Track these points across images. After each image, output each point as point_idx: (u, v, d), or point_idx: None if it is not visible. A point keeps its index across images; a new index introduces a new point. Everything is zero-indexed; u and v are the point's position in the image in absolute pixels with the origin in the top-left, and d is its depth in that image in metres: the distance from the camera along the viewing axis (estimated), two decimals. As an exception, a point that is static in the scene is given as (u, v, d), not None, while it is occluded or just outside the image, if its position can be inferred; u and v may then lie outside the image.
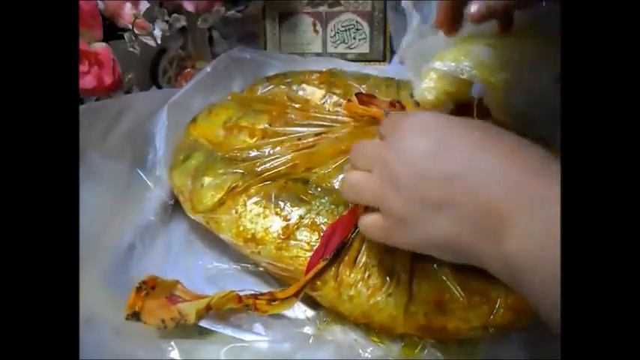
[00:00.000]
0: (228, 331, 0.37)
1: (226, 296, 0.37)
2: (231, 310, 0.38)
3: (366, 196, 0.31)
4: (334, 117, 0.46)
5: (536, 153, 0.26)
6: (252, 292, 0.38)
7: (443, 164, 0.27)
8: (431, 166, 0.27)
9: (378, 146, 0.31)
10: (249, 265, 0.43)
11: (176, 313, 0.36)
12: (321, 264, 0.37)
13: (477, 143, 0.27)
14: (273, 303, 0.37)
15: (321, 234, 0.38)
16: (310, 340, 0.36)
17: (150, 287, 0.37)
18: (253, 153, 0.45)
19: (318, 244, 0.38)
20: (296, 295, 0.37)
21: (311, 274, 0.37)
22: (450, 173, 0.27)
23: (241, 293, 0.37)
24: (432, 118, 0.30)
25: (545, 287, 0.23)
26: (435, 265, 0.36)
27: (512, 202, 0.25)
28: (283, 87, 0.52)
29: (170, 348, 0.36)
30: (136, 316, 0.36)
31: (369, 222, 0.32)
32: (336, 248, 0.37)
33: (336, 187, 0.42)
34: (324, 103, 0.50)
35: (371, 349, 0.37)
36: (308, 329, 0.38)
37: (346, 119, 0.45)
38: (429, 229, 0.28)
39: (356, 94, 0.45)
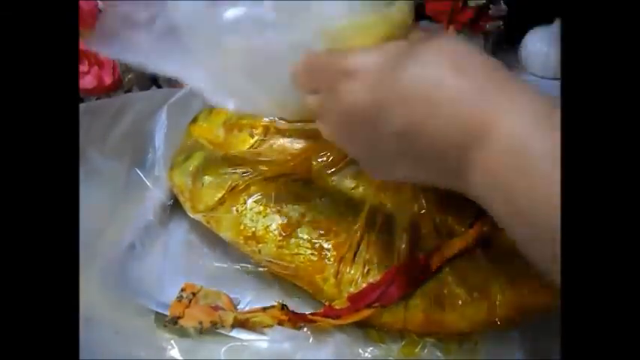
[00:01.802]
0: (220, 329, 0.37)
1: (273, 315, 0.37)
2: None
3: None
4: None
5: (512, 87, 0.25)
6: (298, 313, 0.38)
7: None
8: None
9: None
10: (249, 265, 0.43)
11: (216, 317, 0.37)
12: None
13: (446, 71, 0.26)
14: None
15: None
16: (310, 340, 0.36)
17: (190, 293, 0.38)
18: (253, 152, 0.45)
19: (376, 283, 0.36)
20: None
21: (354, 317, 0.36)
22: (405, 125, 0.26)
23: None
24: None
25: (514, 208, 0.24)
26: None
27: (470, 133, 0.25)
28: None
29: (170, 347, 0.36)
30: (174, 320, 0.37)
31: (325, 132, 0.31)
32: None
33: (337, 185, 0.42)
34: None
35: (371, 348, 0.37)
36: (308, 329, 0.38)
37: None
38: (393, 172, 0.29)
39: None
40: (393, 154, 0.28)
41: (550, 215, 0.22)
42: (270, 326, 0.37)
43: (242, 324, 0.37)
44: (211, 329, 0.37)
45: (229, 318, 0.37)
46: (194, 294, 0.39)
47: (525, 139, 0.23)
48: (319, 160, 0.43)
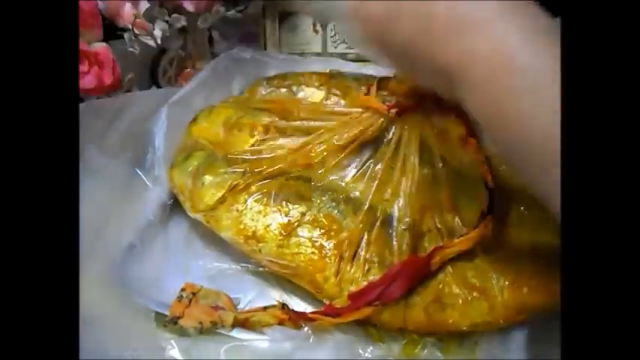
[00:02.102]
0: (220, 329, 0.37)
1: (274, 315, 0.37)
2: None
3: None
4: (335, 109, 0.46)
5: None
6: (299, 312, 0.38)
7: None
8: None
9: None
10: (249, 265, 0.43)
11: (217, 317, 0.37)
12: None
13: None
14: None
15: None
16: (310, 340, 0.36)
17: (190, 293, 0.38)
18: (254, 151, 0.45)
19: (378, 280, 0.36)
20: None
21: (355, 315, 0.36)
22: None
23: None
24: None
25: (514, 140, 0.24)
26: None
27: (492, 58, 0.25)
28: (284, 90, 0.52)
29: (170, 346, 0.36)
30: (174, 320, 0.37)
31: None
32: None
33: (337, 184, 0.42)
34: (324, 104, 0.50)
35: (371, 348, 0.37)
36: (308, 329, 0.38)
37: (345, 110, 0.45)
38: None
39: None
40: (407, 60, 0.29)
41: (549, 141, 0.22)
42: (270, 325, 0.37)
43: (242, 324, 0.37)
44: (211, 329, 0.37)
45: (229, 318, 0.37)
46: (194, 294, 0.39)
47: (512, 55, 0.23)
48: (319, 155, 0.43)
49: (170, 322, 0.37)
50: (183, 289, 0.39)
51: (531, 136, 0.23)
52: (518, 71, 0.23)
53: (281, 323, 0.37)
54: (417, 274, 0.36)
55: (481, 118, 0.26)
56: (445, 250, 0.37)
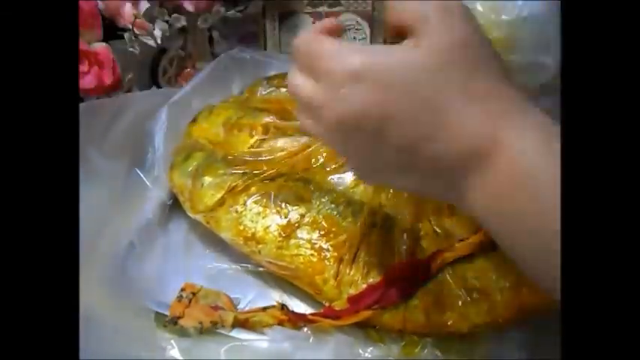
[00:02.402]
0: (220, 329, 0.37)
1: (274, 315, 0.37)
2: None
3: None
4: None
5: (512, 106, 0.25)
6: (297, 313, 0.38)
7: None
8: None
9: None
10: (249, 265, 0.43)
11: (217, 317, 0.37)
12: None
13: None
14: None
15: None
16: (310, 340, 0.36)
17: (190, 293, 0.38)
18: (253, 152, 0.45)
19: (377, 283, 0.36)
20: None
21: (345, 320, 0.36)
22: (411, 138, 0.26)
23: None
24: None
25: (511, 232, 0.25)
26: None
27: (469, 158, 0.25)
28: (284, 90, 0.52)
29: (170, 346, 0.36)
30: (174, 321, 0.37)
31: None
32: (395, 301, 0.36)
33: (337, 186, 0.42)
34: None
35: (371, 349, 0.37)
36: (308, 329, 0.38)
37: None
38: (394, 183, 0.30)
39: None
40: (392, 165, 0.27)
41: (556, 238, 0.22)
42: (270, 326, 0.37)
43: (242, 324, 0.37)
44: (211, 329, 0.37)
45: (229, 318, 0.37)
46: (194, 294, 0.39)
47: (535, 163, 0.24)
48: (318, 157, 0.43)
49: (170, 322, 0.37)
50: (183, 289, 0.39)
51: (533, 232, 0.24)
52: (540, 179, 0.24)
53: (280, 324, 0.37)
54: (417, 278, 0.36)
55: (485, 217, 0.26)
56: (445, 254, 0.37)
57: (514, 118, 0.25)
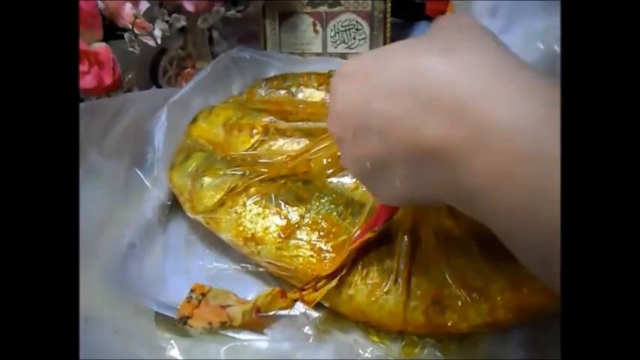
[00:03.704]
0: (228, 330, 0.37)
1: (270, 293, 0.37)
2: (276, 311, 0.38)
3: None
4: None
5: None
6: (295, 288, 0.38)
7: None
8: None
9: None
10: (249, 265, 0.43)
11: (225, 316, 0.37)
12: (369, 235, 0.36)
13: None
14: (319, 285, 0.37)
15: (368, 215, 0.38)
16: (310, 340, 0.36)
17: (200, 294, 0.38)
18: (253, 155, 0.45)
19: (369, 220, 0.37)
20: (341, 268, 0.37)
21: (357, 243, 0.36)
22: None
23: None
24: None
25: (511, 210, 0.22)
26: (432, 258, 0.37)
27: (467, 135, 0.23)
28: (283, 92, 0.52)
29: (170, 346, 0.36)
30: (184, 320, 0.37)
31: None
32: (384, 222, 0.36)
33: (336, 187, 0.42)
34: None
35: (371, 349, 0.37)
36: (308, 329, 0.38)
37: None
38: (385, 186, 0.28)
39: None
40: (395, 170, 0.27)
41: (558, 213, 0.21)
42: (277, 309, 0.37)
43: (250, 321, 0.37)
44: (221, 329, 0.37)
45: (238, 314, 0.36)
46: (203, 295, 0.38)
47: (536, 136, 0.22)
48: (318, 159, 0.43)
49: (179, 322, 0.37)
50: (192, 290, 0.39)
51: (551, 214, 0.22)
52: (544, 154, 0.21)
53: (286, 305, 0.37)
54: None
55: (486, 204, 0.24)
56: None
57: (511, 87, 0.23)
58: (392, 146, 0.26)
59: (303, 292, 0.37)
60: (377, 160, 0.27)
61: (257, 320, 0.37)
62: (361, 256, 0.37)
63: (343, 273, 0.37)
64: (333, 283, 0.36)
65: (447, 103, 0.23)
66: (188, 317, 0.37)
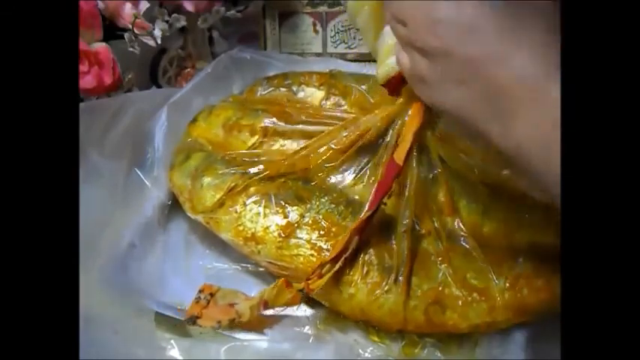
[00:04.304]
0: (228, 330, 0.37)
1: (276, 286, 0.37)
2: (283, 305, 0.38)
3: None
4: (333, 114, 0.46)
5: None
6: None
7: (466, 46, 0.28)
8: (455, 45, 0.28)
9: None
10: (249, 265, 0.43)
11: (234, 313, 0.37)
12: (367, 213, 0.36)
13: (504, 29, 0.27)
14: (324, 271, 0.37)
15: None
16: (310, 340, 0.36)
17: (208, 294, 0.38)
18: (252, 154, 0.45)
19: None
20: (344, 250, 0.37)
21: (357, 223, 0.36)
22: (469, 55, 0.28)
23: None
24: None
25: (552, 167, 0.25)
26: (433, 257, 0.37)
27: (521, 89, 0.26)
28: (283, 89, 0.52)
29: (170, 346, 0.36)
30: (193, 320, 0.37)
31: (404, 61, 0.32)
32: (379, 202, 0.36)
33: (336, 186, 0.42)
34: (324, 104, 0.50)
35: (371, 348, 0.37)
36: (308, 329, 0.38)
37: (345, 115, 0.45)
38: (445, 97, 0.30)
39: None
40: (454, 78, 0.29)
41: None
42: (284, 303, 0.37)
43: (254, 322, 0.37)
44: (230, 327, 0.37)
45: (246, 311, 0.36)
46: (212, 295, 0.38)
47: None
48: (318, 157, 0.43)
49: (189, 322, 0.37)
50: (201, 291, 0.39)
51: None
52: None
53: (295, 300, 0.37)
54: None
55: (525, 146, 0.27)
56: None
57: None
58: (470, 74, 0.28)
59: (309, 282, 0.37)
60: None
61: (260, 319, 0.37)
62: (361, 238, 0.37)
63: (347, 255, 0.37)
64: (338, 265, 0.36)
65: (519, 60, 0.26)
66: (197, 317, 0.37)
